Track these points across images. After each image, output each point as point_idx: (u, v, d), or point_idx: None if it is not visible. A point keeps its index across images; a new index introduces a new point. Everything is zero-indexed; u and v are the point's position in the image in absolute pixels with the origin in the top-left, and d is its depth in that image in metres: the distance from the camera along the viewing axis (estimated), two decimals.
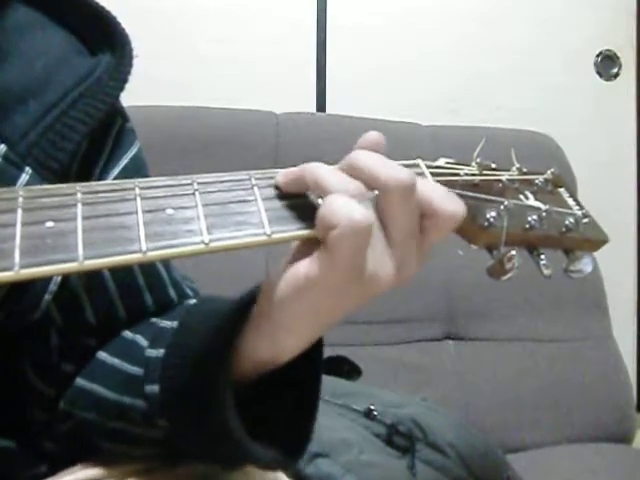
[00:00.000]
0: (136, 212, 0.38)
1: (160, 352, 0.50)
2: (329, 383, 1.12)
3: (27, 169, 0.51)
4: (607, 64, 2.03)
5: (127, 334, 0.55)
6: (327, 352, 1.27)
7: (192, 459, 0.51)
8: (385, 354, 1.41)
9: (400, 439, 1.00)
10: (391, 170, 0.42)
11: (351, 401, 1.06)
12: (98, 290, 0.56)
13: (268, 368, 0.47)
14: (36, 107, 0.53)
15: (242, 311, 0.46)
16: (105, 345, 0.55)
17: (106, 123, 0.58)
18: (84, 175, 0.56)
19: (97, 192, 0.38)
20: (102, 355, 0.54)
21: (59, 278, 0.53)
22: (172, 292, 0.60)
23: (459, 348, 1.46)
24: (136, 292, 0.58)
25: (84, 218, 0.36)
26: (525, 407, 1.41)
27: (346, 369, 1.24)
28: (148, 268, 0.58)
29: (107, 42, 0.59)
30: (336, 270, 0.40)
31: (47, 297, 0.52)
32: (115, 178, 0.58)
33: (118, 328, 0.56)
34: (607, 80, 2.03)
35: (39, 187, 0.38)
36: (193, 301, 0.60)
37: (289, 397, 0.49)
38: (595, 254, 0.55)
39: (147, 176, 0.61)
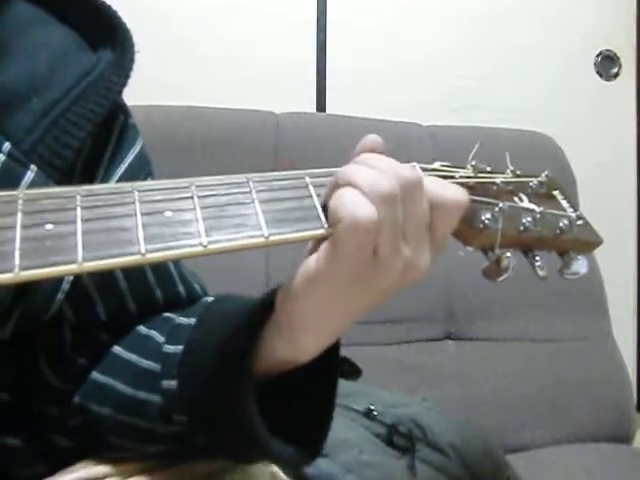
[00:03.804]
0: (135, 215, 0.38)
1: (178, 348, 0.50)
2: None
3: (32, 167, 0.51)
4: (607, 64, 2.03)
5: (142, 329, 0.56)
6: None
7: (206, 455, 0.51)
8: (385, 354, 1.41)
9: (400, 439, 1.00)
10: (399, 169, 0.43)
11: (351, 401, 1.05)
12: (109, 287, 0.56)
13: (287, 367, 0.47)
14: (39, 104, 0.53)
15: (262, 311, 0.47)
16: (119, 339, 0.55)
17: (109, 119, 0.57)
18: (89, 172, 0.56)
19: (96, 195, 0.38)
20: (117, 350, 0.55)
21: (71, 277, 0.53)
22: (181, 288, 0.61)
23: (459, 348, 1.46)
24: (146, 288, 0.58)
25: (83, 221, 0.37)
26: (525, 407, 1.41)
27: (346, 369, 1.24)
28: (158, 264, 0.59)
29: (108, 37, 0.58)
30: (341, 261, 0.41)
31: (60, 296, 0.52)
32: (121, 175, 0.58)
33: (130, 323, 0.56)
34: (607, 80, 2.03)
35: (39, 190, 0.38)
36: (211, 299, 0.60)
37: (303, 396, 0.49)
38: (595, 254, 0.55)
39: (151, 172, 0.61)
